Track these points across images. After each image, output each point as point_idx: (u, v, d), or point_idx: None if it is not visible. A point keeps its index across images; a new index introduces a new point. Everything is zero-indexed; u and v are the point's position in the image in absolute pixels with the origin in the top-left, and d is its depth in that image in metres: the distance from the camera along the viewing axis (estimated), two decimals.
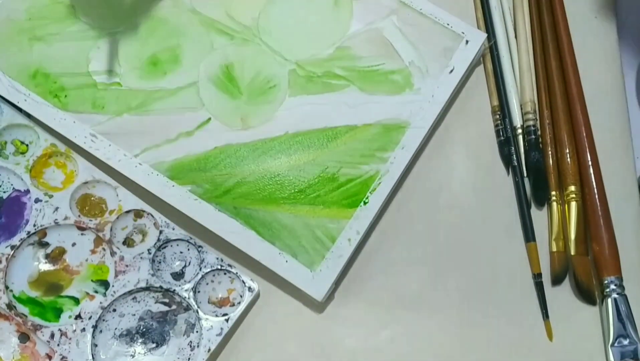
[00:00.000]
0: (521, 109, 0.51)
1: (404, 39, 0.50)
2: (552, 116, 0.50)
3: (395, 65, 0.50)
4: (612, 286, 0.46)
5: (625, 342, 0.45)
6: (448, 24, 0.51)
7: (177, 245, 0.47)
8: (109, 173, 0.48)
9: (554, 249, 0.47)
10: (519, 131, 0.50)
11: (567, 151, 0.49)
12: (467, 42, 0.50)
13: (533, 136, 0.49)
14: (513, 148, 0.50)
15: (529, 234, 0.48)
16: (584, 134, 0.49)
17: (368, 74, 0.50)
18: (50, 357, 0.44)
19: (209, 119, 0.49)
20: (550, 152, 0.49)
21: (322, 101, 0.49)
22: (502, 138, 0.50)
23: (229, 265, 0.46)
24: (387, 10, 0.51)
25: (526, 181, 0.49)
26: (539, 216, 0.49)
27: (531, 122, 0.50)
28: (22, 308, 0.45)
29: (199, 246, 0.47)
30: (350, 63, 0.50)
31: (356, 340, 0.46)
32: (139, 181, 0.47)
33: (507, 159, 0.50)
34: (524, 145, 0.50)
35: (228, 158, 0.48)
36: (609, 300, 0.46)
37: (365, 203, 0.47)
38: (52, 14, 0.51)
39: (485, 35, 0.51)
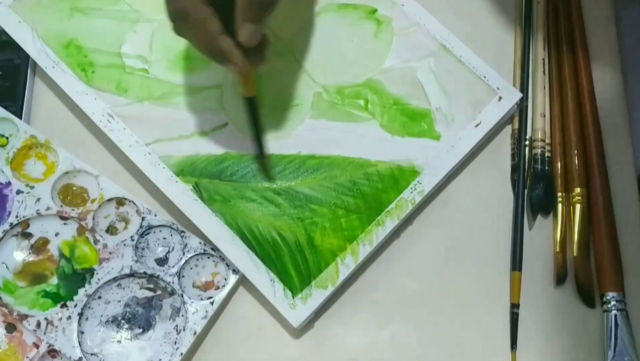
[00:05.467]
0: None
1: (436, 83, 0.49)
2: (562, 120, 0.50)
3: (422, 108, 0.49)
4: (613, 302, 0.46)
5: (625, 359, 0.44)
6: (485, 77, 0.49)
7: (160, 231, 0.47)
8: (90, 162, 0.48)
9: (558, 249, 0.48)
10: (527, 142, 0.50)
11: (575, 152, 0.49)
12: (500, 98, 0.49)
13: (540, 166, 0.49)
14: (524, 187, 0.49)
15: (516, 262, 0.47)
16: (592, 139, 0.49)
17: (392, 112, 0.49)
18: (37, 346, 0.45)
19: (226, 123, 0.49)
20: (558, 154, 0.49)
21: (341, 129, 0.48)
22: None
23: (212, 249, 0.46)
24: (427, 51, 0.50)
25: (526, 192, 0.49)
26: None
27: (539, 151, 0.49)
28: (8, 299, 0.46)
29: (182, 232, 0.47)
30: (377, 97, 0.49)
31: (356, 339, 0.46)
32: (144, 170, 0.47)
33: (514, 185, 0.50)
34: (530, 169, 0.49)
35: (235, 166, 0.48)
36: (610, 316, 0.45)
37: (362, 240, 0.46)
38: None
39: (521, 95, 0.50)
